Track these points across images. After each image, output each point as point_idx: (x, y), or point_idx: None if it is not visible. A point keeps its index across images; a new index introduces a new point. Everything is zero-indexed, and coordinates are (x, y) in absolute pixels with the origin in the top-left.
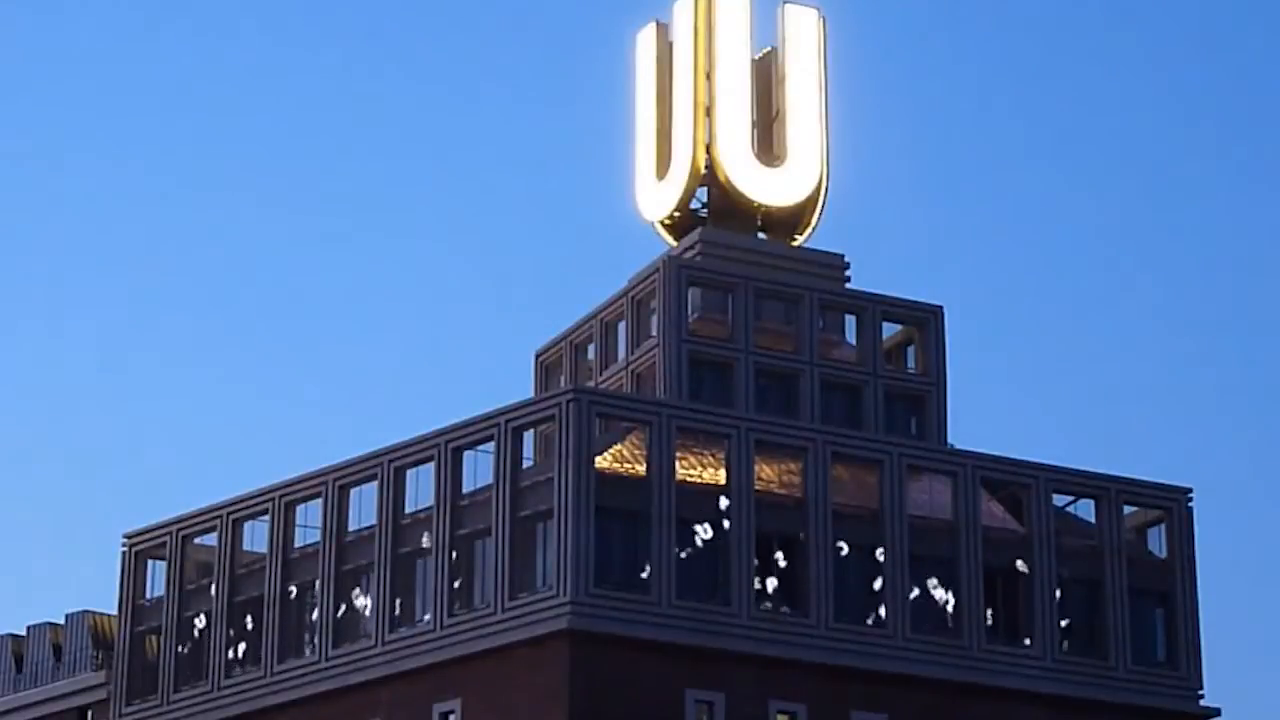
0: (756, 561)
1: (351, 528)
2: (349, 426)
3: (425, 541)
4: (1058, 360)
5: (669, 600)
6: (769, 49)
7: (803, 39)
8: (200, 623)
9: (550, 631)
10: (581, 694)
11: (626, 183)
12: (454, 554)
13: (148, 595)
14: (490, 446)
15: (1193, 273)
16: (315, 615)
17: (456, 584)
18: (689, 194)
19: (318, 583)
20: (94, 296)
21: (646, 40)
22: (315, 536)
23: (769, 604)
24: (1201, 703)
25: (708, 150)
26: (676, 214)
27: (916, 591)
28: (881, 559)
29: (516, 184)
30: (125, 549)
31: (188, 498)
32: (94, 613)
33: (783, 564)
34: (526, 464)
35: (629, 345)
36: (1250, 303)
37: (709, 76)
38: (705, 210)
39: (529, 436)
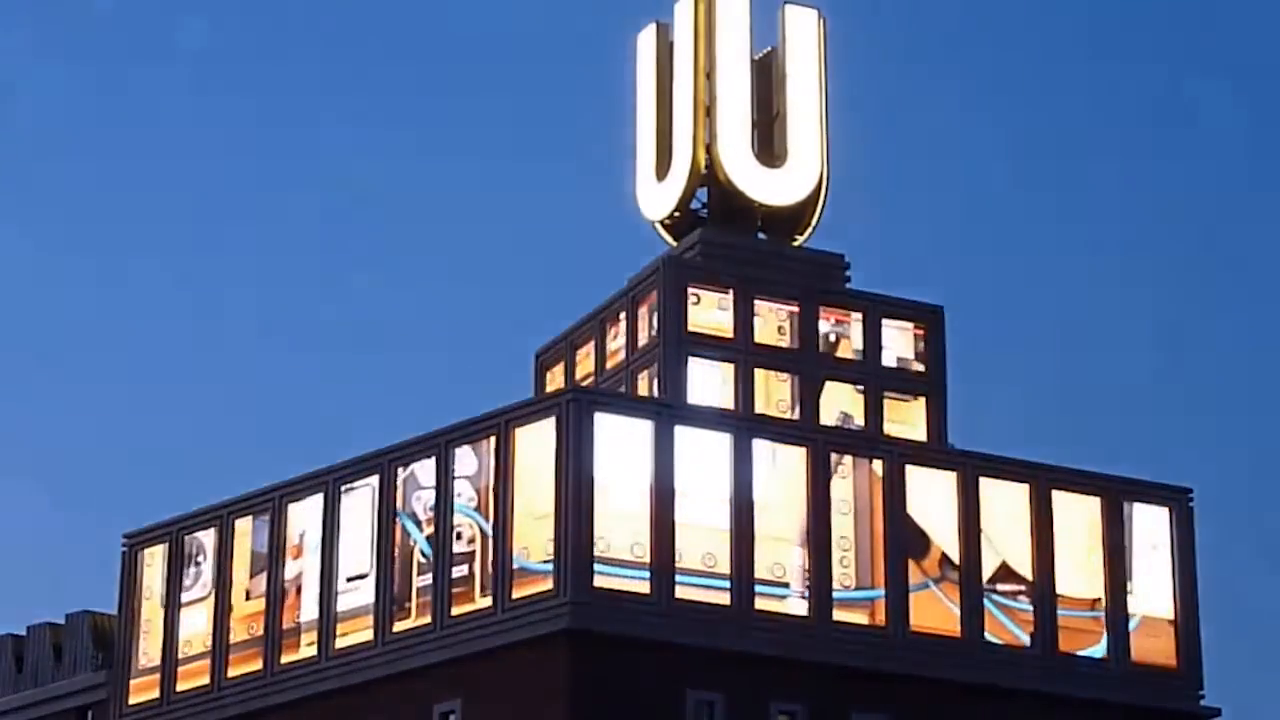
0: (756, 561)
1: (351, 527)
2: (349, 426)
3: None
4: (1058, 360)
5: (669, 600)
6: (769, 49)
7: (803, 39)
8: (200, 622)
9: (550, 631)
10: (581, 694)
11: (626, 183)
12: (454, 553)
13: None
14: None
15: (1193, 272)
16: (315, 615)
17: (456, 584)
18: (689, 194)
19: (317, 582)
20: (94, 295)
21: (646, 40)
22: (315, 536)
23: (769, 603)
24: (1202, 703)
25: (708, 150)
26: (676, 214)
27: (916, 591)
28: (881, 559)
29: (516, 184)
30: (125, 549)
31: (188, 498)
32: (94, 613)
33: (782, 563)
34: None
35: (629, 345)
36: (1251, 302)
37: (709, 76)
38: (705, 210)
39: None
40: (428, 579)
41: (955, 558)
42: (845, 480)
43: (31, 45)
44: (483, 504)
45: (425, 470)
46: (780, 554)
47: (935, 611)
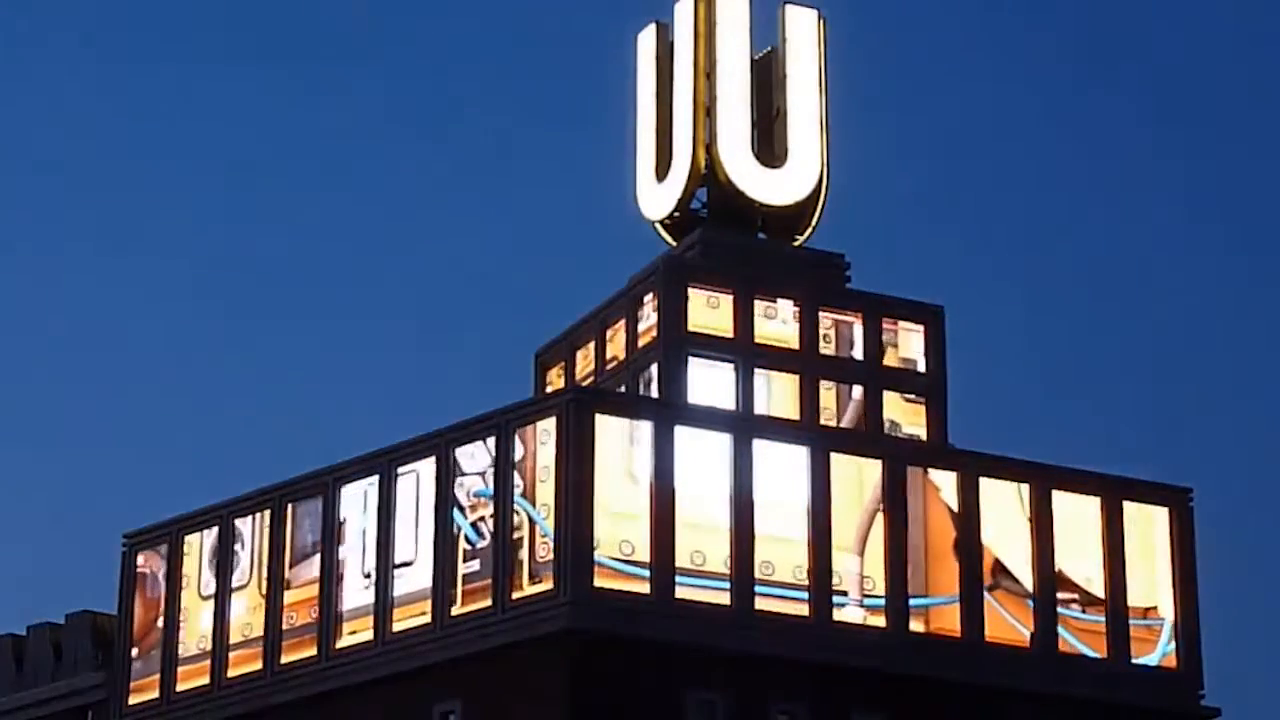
0: (757, 561)
1: (351, 527)
2: (349, 426)
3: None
4: (1058, 360)
5: (669, 600)
6: (769, 49)
7: (803, 39)
8: (200, 622)
9: (550, 631)
10: (581, 694)
11: (626, 183)
12: (454, 553)
13: (148, 595)
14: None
15: (1193, 272)
16: (315, 615)
17: (457, 583)
18: (689, 194)
19: (316, 583)
20: (93, 293)
21: (646, 40)
22: (314, 536)
23: (769, 602)
24: (1202, 703)
25: (708, 150)
26: (676, 214)
27: (916, 590)
28: (881, 558)
29: (516, 183)
30: (125, 549)
31: (188, 498)
32: (94, 613)
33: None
34: None
35: (629, 345)
36: (1251, 302)
37: (709, 76)
38: (705, 210)
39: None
40: (473, 565)
41: (1009, 564)
42: None
43: None
44: (528, 490)
45: (466, 456)
46: (839, 561)
47: (989, 619)
